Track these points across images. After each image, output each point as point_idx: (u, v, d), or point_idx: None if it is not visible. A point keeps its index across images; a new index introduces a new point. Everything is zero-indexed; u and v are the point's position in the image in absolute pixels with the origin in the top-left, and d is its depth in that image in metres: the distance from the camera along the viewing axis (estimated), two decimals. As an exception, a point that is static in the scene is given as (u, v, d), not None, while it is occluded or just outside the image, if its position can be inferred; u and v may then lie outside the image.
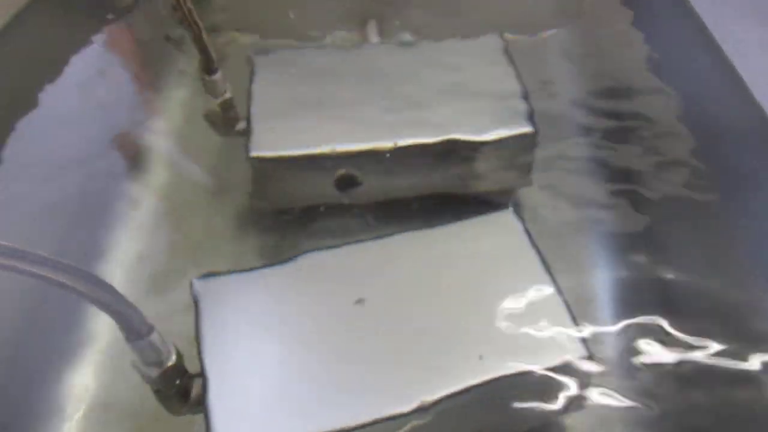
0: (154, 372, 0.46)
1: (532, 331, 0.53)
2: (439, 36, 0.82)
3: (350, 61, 0.79)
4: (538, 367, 0.51)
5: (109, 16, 1.08)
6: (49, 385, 0.61)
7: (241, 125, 0.74)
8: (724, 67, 0.89)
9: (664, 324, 0.62)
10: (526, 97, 0.72)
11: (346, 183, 0.70)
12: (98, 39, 1.04)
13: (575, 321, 0.53)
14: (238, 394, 0.49)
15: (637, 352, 0.60)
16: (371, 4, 1.08)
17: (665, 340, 0.61)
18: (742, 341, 0.60)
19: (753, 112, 0.82)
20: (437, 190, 0.73)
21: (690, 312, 0.64)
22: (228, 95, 0.75)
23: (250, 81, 0.76)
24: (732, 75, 0.88)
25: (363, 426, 0.47)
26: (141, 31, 1.09)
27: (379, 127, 0.69)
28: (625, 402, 0.57)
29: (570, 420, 0.57)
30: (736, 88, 0.86)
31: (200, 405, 0.48)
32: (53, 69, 0.96)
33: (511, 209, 0.63)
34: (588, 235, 0.73)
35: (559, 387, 0.52)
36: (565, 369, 0.51)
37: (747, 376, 0.59)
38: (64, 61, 0.98)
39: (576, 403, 0.54)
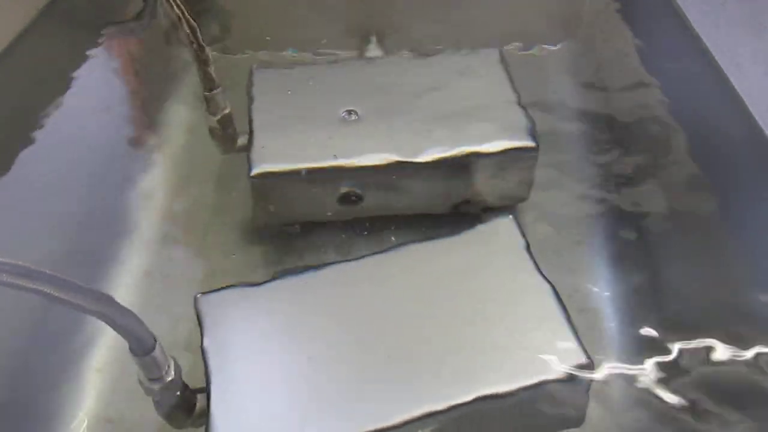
0: (157, 386, 0.47)
1: (531, 343, 0.53)
2: (439, 51, 0.83)
3: (350, 76, 0.80)
4: (538, 379, 0.51)
5: (112, 32, 1.10)
6: (52, 399, 0.61)
7: (240, 141, 0.75)
8: (719, 79, 0.90)
9: (664, 335, 0.62)
10: (525, 110, 0.73)
11: (347, 198, 0.70)
12: (101, 55, 1.05)
13: (575, 332, 0.53)
14: (241, 407, 0.49)
15: (637, 363, 0.60)
16: (371, 20, 1.09)
17: (665, 350, 0.61)
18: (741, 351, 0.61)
19: (746, 123, 0.83)
20: (438, 204, 0.73)
21: (689, 322, 0.64)
22: (227, 111, 0.75)
23: (250, 97, 0.76)
24: (726, 86, 0.88)
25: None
26: (143, 47, 1.10)
27: (379, 142, 0.70)
28: (626, 413, 0.57)
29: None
30: (730, 98, 0.87)
31: (203, 418, 0.49)
32: (57, 85, 0.97)
33: (510, 217, 0.64)
34: (587, 247, 0.73)
35: (560, 398, 0.52)
36: (566, 380, 0.51)
37: (749, 386, 0.59)
38: (67, 77, 0.99)
39: (577, 414, 0.54)
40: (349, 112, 0.73)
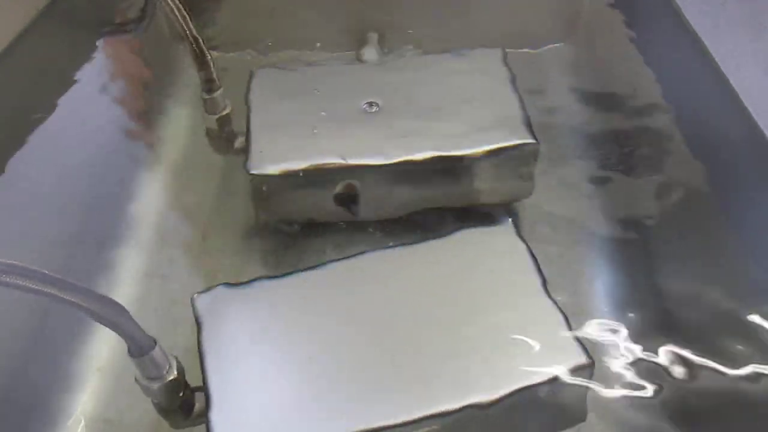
0: (156, 386, 0.47)
1: (530, 345, 0.53)
2: (439, 51, 0.83)
3: (349, 77, 0.80)
4: (537, 381, 0.50)
5: (112, 33, 1.10)
6: (49, 399, 0.61)
7: (240, 141, 0.75)
8: (718, 80, 0.90)
9: (664, 336, 0.62)
10: (526, 109, 0.73)
11: (347, 198, 0.71)
12: (101, 55, 1.06)
13: (575, 334, 0.53)
14: (241, 407, 0.49)
15: (636, 365, 0.60)
16: (371, 20, 1.09)
17: (664, 352, 0.61)
18: (742, 354, 0.61)
19: (746, 124, 0.83)
20: (438, 203, 0.73)
21: (690, 324, 0.64)
22: (227, 111, 0.75)
23: (249, 97, 0.76)
24: (726, 87, 0.88)
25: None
26: (143, 47, 1.10)
27: (378, 142, 0.70)
28: (625, 414, 0.57)
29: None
30: (729, 100, 0.87)
31: (202, 418, 0.49)
32: (57, 85, 0.97)
33: (509, 221, 0.64)
34: (587, 247, 0.73)
35: (560, 400, 0.52)
36: (565, 381, 0.51)
37: (747, 388, 0.59)
38: (67, 78, 0.99)
39: (575, 416, 0.54)
40: (370, 104, 0.74)
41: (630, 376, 0.59)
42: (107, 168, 0.87)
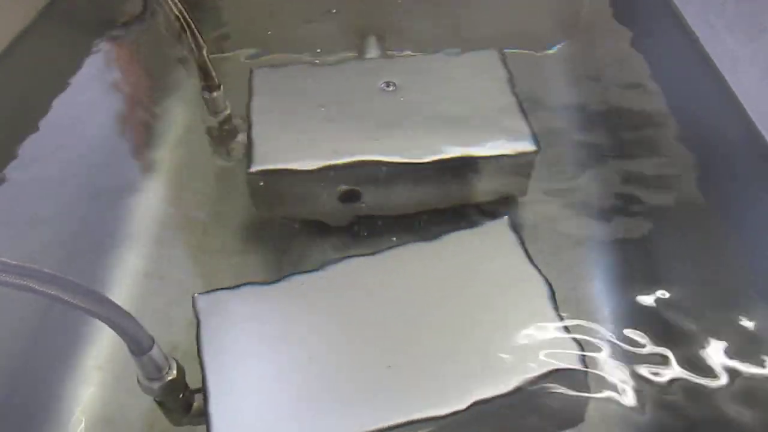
0: (156, 385, 0.47)
1: (529, 344, 0.53)
2: (439, 51, 0.83)
3: (349, 76, 0.80)
4: (535, 380, 0.51)
5: (112, 33, 1.10)
6: (50, 398, 0.61)
7: (240, 141, 0.75)
8: (716, 80, 0.90)
9: (662, 336, 0.62)
10: (525, 111, 0.73)
11: (346, 197, 0.71)
12: (100, 55, 1.06)
13: (572, 333, 0.54)
14: (240, 407, 0.49)
15: (634, 364, 0.60)
16: (371, 20, 1.09)
17: (662, 351, 0.61)
18: (739, 354, 0.61)
19: (743, 124, 0.83)
20: (436, 203, 0.73)
21: (688, 324, 0.64)
22: (227, 111, 0.76)
23: (250, 97, 0.76)
24: (724, 87, 0.89)
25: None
26: (143, 47, 1.10)
27: (378, 142, 0.70)
28: (623, 414, 0.58)
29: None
30: (727, 100, 0.87)
31: (201, 417, 0.49)
32: (57, 85, 0.97)
33: (506, 219, 0.64)
34: (587, 248, 0.73)
35: (557, 399, 0.52)
36: (563, 381, 0.52)
37: (743, 388, 0.59)
38: (67, 77, 0.99)
39: (573, 416, 0.55)
40: (388, 83, 0.74)
41: (627, 376, 0.59)
42: (107, 168, 0.87)
